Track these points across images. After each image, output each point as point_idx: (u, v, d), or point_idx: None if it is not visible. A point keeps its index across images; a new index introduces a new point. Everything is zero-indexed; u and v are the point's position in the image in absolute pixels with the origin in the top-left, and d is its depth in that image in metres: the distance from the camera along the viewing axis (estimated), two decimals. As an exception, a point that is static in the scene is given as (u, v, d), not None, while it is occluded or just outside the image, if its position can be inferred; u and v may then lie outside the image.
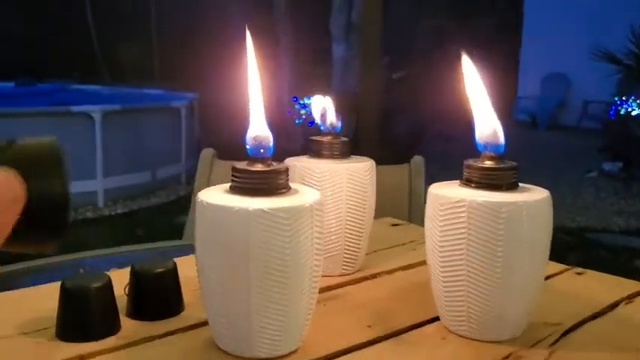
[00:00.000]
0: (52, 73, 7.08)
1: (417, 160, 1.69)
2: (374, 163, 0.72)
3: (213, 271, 0.49)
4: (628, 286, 0.70)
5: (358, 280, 0.72)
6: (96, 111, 4.17)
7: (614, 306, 0.64)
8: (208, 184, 1.45)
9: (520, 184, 0.56)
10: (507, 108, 8.52)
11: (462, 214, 0.53)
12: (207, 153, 1.63)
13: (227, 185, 0.52)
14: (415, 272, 0.75)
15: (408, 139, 4.92)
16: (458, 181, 0.57)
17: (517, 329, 0.56)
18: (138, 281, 0.59)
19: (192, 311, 0.61)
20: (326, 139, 0.71)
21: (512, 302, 0.54)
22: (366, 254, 0.75)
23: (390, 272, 0.75)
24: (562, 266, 0.76)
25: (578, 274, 0.75)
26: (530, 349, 0.55)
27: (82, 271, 0.72)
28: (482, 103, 0.56)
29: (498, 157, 0.55)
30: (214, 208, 0.48)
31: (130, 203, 4.26)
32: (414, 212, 1.63)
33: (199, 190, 0.52)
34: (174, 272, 0.60)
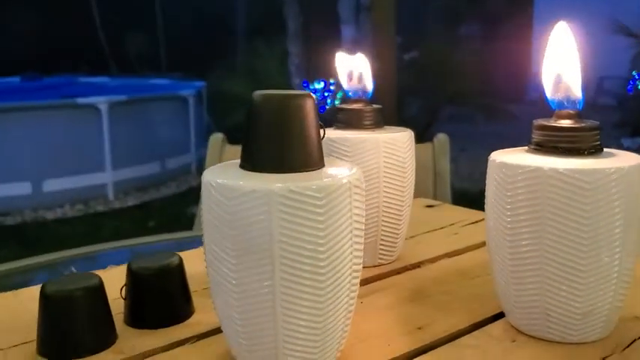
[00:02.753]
0: (59, 67, 6.99)
1: (441, 138, 1.58)
2: (412, 133, 0.61)
3: (226, 271, 0.39)
4: None
5: (398, 270, 0.61)
6: (102, 102, 4.06)
7: None
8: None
9: (605, 148, 0.45)
10: (522, 87, 8.36)
11: (537, 187, 0.42)
12: (216, 137, 1.54)
13: (238, 162, 0.41)
14: (463, 260, 0.64)
15: (422, 121, 4.79)
16: (525, 147, 0.47)
17: (607, 327, 0.45)
18: (136, 281, 0.48)
19: (203, 315, 0.50)
20: (355, 106, 0.60)
21: (603, 294, 0.43)
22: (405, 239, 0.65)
23: (433, 260, 0.64)
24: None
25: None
26: (625, 352, 0.44)
27: (74, 270, 0.62)
28: (561, 52, 0.45)
29: (577, 115, 0.44)
30: (225, 190, 0.38)
31: (140, 195, 4.17)
32: (439, 194, 1.53)
33: None
34: (179, 269, 0.50)
